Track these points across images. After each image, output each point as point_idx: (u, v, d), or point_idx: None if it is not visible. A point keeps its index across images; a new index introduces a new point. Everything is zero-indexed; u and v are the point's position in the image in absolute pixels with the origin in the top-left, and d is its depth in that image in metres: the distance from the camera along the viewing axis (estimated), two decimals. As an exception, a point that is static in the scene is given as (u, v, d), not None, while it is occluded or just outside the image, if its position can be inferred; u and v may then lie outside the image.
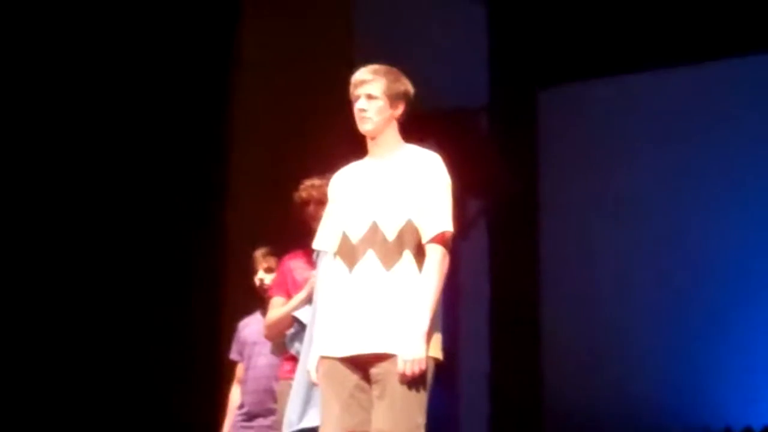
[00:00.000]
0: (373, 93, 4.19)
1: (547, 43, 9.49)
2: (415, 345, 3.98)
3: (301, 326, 5.01)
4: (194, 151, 8.28)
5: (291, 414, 4.75)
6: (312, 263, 5.06)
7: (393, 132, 4.24)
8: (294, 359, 5.14)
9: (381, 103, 4.19)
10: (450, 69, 9.08)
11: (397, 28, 8.70)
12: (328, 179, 4.42)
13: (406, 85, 4.25)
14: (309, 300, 4.96)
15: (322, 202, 4.48)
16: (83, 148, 7.83)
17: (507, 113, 9.63)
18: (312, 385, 4.48)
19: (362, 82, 4.22)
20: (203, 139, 8.34)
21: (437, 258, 4.08)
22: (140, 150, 8.06)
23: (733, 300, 8.70)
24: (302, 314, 5.03)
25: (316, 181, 5.10)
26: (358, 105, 4.21)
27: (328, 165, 4.55)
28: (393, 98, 4.20)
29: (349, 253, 4.14)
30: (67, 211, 7.71)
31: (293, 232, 5.43)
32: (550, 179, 9.66)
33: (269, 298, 5.81)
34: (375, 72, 4.23)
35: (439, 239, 4.10)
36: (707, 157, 8.98)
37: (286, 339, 5.23)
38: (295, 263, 5.43)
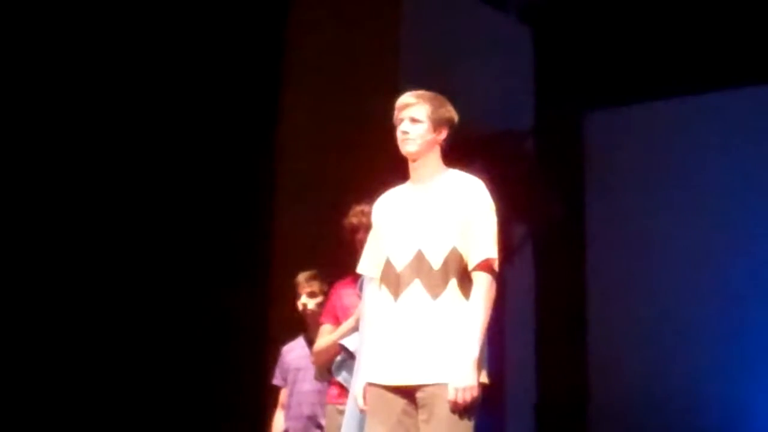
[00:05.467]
0: (417, 116, 4.19)
1: (593, 66, 9.44)
2: (466, 373, 3.95)
3: (348, 354, 4.96)
4: (240, 173, 8.28)
5: None
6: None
7: (435, 156, 4.23)
8: (341, 384, 5.10)
9: (425, 126, 4.19)
10: (496, 91, 9.04)
11: (443, 50, 8.66)
12: None
13: (451, 112, 4.25)
14: (357, 327, 4.91)
15: (371, 228, 4.42)
16: (128, 162, 7.83)
17: (553, 136, 9.57)
18: (364, 415, 4.43)
19: (407, 105, 4.22)
20: (248, 162, 8.34)
21: (485, 286, 4.06)
22: (187, 173, 8.07)
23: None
24: (349, 342, 4.97)
25: (366, 207, 5.01)
26: (402, 127, 4.21)
27: (374, 190, 4.50)
28: (437, 123, 4.20)
29: (393, 281, 4.12)
30: (110, 229, 7.72)
31: (339, 257, 5.39)
32: (597, 203, 9.60)
33: (313, 322, 5.78)
34: (420, 96, 4.24)
35: (485, 266, 4.07)
36: (755, 180, 8.89)
37: (333, 366, 5.19)
38: (344, 290, 5.39)
